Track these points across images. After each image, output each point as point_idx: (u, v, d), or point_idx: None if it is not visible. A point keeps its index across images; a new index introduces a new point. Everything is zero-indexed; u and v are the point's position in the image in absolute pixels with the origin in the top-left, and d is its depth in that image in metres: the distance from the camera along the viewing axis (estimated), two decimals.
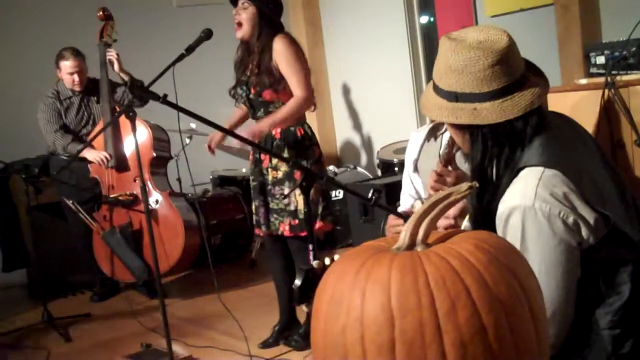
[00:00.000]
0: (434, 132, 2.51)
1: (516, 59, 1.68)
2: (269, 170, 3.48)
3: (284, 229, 3.47)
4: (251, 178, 3.62)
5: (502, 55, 1.64)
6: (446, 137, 2.41)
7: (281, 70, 3.37)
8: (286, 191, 3.43)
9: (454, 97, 1.67)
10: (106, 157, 4.57)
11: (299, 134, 3.47)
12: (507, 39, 1.66)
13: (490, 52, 1.63)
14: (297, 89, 3.38)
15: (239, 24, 3.39)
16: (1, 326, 4.37)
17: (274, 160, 3.46)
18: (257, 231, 3.66)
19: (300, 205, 3.44)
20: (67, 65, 4.62)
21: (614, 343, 1.62)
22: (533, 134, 1.67)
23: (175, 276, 5.11)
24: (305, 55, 3.56)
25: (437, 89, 1.74)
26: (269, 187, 3.50)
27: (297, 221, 3.45)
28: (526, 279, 1.27)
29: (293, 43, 3.44)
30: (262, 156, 3.51)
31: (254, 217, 3.64)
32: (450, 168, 2.21)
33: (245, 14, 3.37)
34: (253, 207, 3.63)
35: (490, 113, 1.63)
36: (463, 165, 2.31)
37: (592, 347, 1.63)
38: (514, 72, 1.66)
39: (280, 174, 3.45)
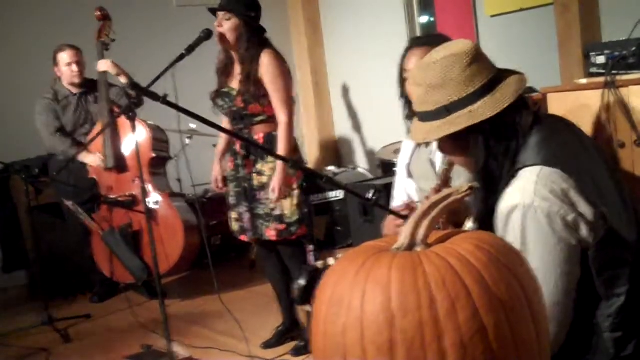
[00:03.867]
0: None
1: (486, 59, 1.72)
2: (254, 175, 3.47)
3: (270, 234, 3.46)
4: (233, 184, 3.58)
5: (473, 54, 1.68)
6: (435, 145, 2.44)
7: (265, 86, 3.36)
8: (271, 195, 3.42)
9: (445, 110, 1.68)
10: (101, 159, 4.57)
11: None
12: (471, 42, 1.71)
13: (462, 55, 1.67)
14: (280, 112, 3.38)
15: (222, 35, 3.34)
16: (1, 327, 4.37)
17: (258, 165, 3.45)
18: (242, 237, 3.62)
19: (286, 210, 3.43)
20: (65, 56, 4.63)
21: (616, 346, 1.61)
22: (526, 129, 1.69)
23: (175, 277, 5.11)
24: (292, 71, 3.55)
25: (423, 116, 1.75)
26: (255, 192, 3.48)
27: (283, 226, 3.44)
28: (526, 279, 1.27)
29: (280, 60, 3.42)
30: (245, 161, 3.49)
31: (237, 224, 3.59)
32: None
33: (228, 25, 3.33)
34: (234, 214, 3.59)
35: (485, 109, 1.65)
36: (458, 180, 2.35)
37: (595, 350, 1.63)
38: (490, 67, 1.71)
39: (265, 179, 3.44)
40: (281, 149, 3.36)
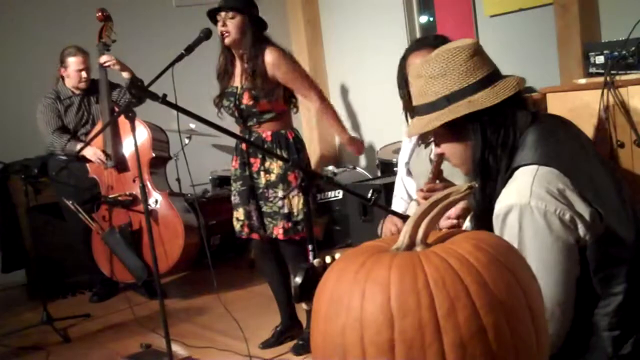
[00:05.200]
0: (424, 137, 2.54)
1: (487, 55, 1.74)
2: (261, 173, 3.46)
3: (278, 232, 3.46)
4: (238, 183, 3.56)
5: (475, 48, 1.70)
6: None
7: (284, 83, 3.37)
8: (280, 194, 3.41)
9: (445, 100, 1.69)
10: (103, 158, 4.57)
11: (290, 137, 3.47)
12: (473, 39, 1.74)
13: (464, 47, 1.70)
14: (310, 98, 3.44)
15: (227, 33, 3.34)
16: (1, 327, 4.37)
17: (266, 163, 3.44)
18: (253, 236, 3.58)
19: (294, 208, 3.43)
20: (75, 61, 4.64)
21: (614, 344, 1.61)
22: (524, 127, 1.69)
23: (175, 276, 5.11)
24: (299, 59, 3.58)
25: (422, 109, 1.75)
26: (262, 190, 3.47)
27: (290, 224, 3.44)
28: (526, 279, 1.27)
29: (284, 52, 3.43)
30: (252, 159, 3.49)
31: (239, 223, 3.57)
32: (438, 182, 2.25)
33: (233, 24, 3.33)
34: (240, 212, 3.57)
35: (485, 99, 1.66)
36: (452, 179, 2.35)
37: (593, 349, 1.63)
38: (491, 63, 1.73)
39: (273, 177, 3.44)
40: (339, 130, 3.52)
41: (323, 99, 3.47)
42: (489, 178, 1.70)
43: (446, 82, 1.68)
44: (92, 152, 4.60)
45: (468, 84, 1.67)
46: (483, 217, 1.73)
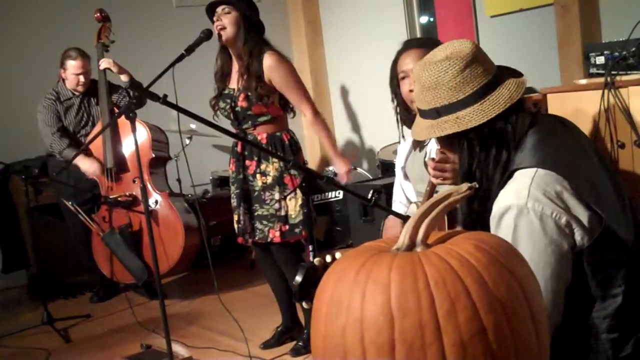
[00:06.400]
0: (419, 142, 2.54)
1: (484, 61, 1.72)
2: (257, 176, 3.44)
3: (274, 235, 3.44)
4: (234, 186, 3.55)
5: (468, 60, 1.68)
6: (430, 147, 2.45)
7: (278, 88, 3.36)
8: (276, 196, 3.41)
9: (436, 113, 1.71)
10: (98, 173, 4.58)
11: (285, 139, 3.46)
12: (471, 45, 1.71)
13: (457, 60, 1.68)
14: (303, 109, 3.42)
15: (222, 28, 3.34)
16: (1, 327, 4.37)
17: (262, 166, 3.43)
18: (239, 240, 3.58)
19: (290, 211, 3.42)
20: (74, 65, 4.64)
21: (614, 347, 1.61)
22: (521, 133, 1.70)
23: (175, 277, 5.11)
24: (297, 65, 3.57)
25: (421, 113, 1.79)
26: (258, 193, 3.45)
27: (287, 227, 3.42)
28: (526, 279, 1.27)
29: (284, 58, 3.42)
30: (247, 162, 3.48)
31: (237, 225, 3.56)
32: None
33: (228, 19, 3.33)
34: (236, 215, 3.56)
35: (472, 117, 1.67)
36: None
37: (593, 352, 1.63)
38: (485, 74, 1.70)
39: (269, 179, 3.42)
40: (328, 145, 3.49)
41: (316, 112, 3.43)
42: (476, 191, 1.70)
43: (436, 95, 1.70)
44: (88, 166, 4.60)
45: (457, 100, 1.68)
46: (471, 226, 1.74)
